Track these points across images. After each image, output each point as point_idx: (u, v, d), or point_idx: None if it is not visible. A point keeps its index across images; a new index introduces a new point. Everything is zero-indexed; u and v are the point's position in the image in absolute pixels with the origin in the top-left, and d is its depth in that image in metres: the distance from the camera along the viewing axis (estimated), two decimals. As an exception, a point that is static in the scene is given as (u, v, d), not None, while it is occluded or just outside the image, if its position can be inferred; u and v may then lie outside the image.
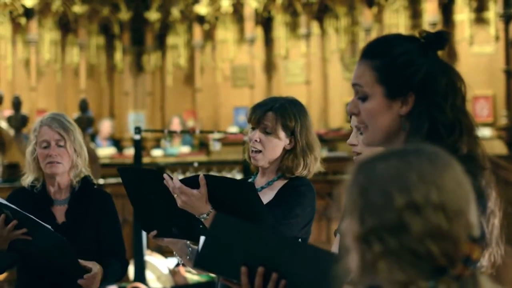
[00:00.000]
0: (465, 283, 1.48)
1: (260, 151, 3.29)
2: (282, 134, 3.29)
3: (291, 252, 2.34)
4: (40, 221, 3.68)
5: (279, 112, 3.29)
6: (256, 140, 3.29)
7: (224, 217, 2.43)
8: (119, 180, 3.61)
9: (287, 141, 3.30)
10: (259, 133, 3.29)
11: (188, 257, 3.32)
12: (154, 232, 3.25)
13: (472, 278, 1.50)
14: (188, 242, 3.32)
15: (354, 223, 1.53)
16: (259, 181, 3.36)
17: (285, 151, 3.31)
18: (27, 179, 3.92)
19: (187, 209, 3.05)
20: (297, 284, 2.31)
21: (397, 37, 2.25)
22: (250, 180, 3.43)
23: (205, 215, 3.02)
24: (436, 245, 1.47)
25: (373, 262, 1.50)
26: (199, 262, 2.46)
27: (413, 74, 2.14)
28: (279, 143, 3.29)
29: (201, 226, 3.09)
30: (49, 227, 3.68)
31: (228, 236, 2.35)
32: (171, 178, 3.07)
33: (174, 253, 3.35)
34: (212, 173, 8.30)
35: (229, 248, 2.36)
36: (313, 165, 3.34)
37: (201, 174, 3.07)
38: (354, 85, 2.21)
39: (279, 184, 3.32)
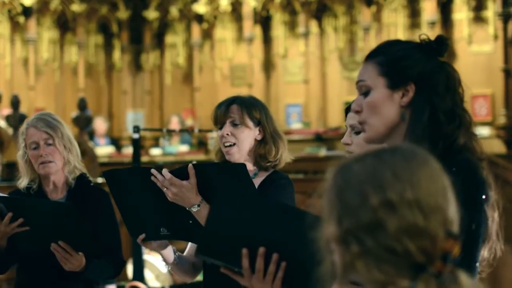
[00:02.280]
0: (445, 280, 1.48)
1: (234, 144, 3.31)
2: (250, 123, 3.32)
3: (292, 220, 2.31)
4: (37, 198, 3.71)
5: (243, 103, 3.33)
6: (227, 134, 3.30)
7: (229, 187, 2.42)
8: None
9: (257, 132, 3.33)
10: (229, 126, 3.31)
11: (176, 262, 3.33)
12: (142, 236, 3.23)
13: (452, 275, 1.49)
14: (175, 248, 3.33)
15: (332, 225, 1.53)
16: None
17: (257, 142, 3.33)
18: (22, 183, 3.91)
19: (178, 201, 3.04)
20: (297, 263, 2.30)
21: (397, 40, 2.38)
22: None
23: (196, 206, 3.03)
24: (413, 242, 1.47)
25: (351, 263, 1.50)
26: (201, 249, 2.44)
27: (413, 65, 2.24)
28: (250, 132, 3.31)
29: (190, 221, 3.09)
30: (48, 200, 3.70)
31: (231, 208, 2.34)
32: (160, 173, 3.07)
33: (161, 259, 3.35)
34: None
35: (231, 225, 2.34)
36: (283, 152, 3.35)
37: (190, 164, 3.07)
38: (357, 82, 2.29)
39: (259, 179, 3.33)
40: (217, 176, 3.05)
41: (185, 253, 3.39)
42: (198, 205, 3.03)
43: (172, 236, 3.26)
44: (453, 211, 1.53)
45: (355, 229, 1.50)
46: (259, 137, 3.33)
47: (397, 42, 2.33)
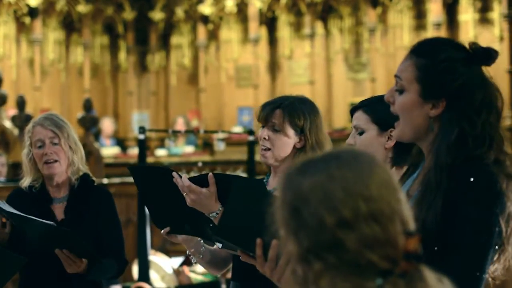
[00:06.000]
0: (411, 278, 1.48)
1: (269, 149, 3.25)
2: (290, 131, 3.24)
3: None
4: (32, 217, 3.66)
5: (287, 109, 3.24)
6: (264, 138, 3.24)
7: (245, 180, 2.46)
8: (123, 179, 3.61)
9: (297, 139, 3.25)
10: (268, 130, 3.25)
11: (201, 256, 3.30)
12: (167, 229, 3.22)
13: (417, 271, 1.49)
14: (202, 241, 3.29)
15: (291, 243, 1.52)
16: (272, 182, 3.32)
17: (296, 150, 3.26)
18: (25, 182, 3.90)
19: (197, 207, 3.03)
20: None
21: (447, 42, 2.36)
22: (264, 180, 3.38)
23: (214, 213, 3.01)
24: (375, 254, 1.47)
25: (315, 280, 1.49)
26: (219, 231, 2.50)
27: (450, 81, 2.24)
28: (288, 141, 3.24)
29: (211, 224, 3.08)
30: (43, 221, 3.66)
31: (248, 201, 2.39)
32: (180, 177, 3.05)
33: (188, 252, 3.33)
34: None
35: (248, 215, 2.39)
36: None
37: (210, 173, 3.06)
38: (396, 76, 2.31)
39: None
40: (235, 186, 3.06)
41: (214, 247, 3.36)
42: (217, 213, 3.01)
43: (194, 233, 3.25)
44: (406, 208, 1.53)
45: (315, 248, 1.49)
46: (298, 145, 3.25)
47: (443, 47, 2.29)
